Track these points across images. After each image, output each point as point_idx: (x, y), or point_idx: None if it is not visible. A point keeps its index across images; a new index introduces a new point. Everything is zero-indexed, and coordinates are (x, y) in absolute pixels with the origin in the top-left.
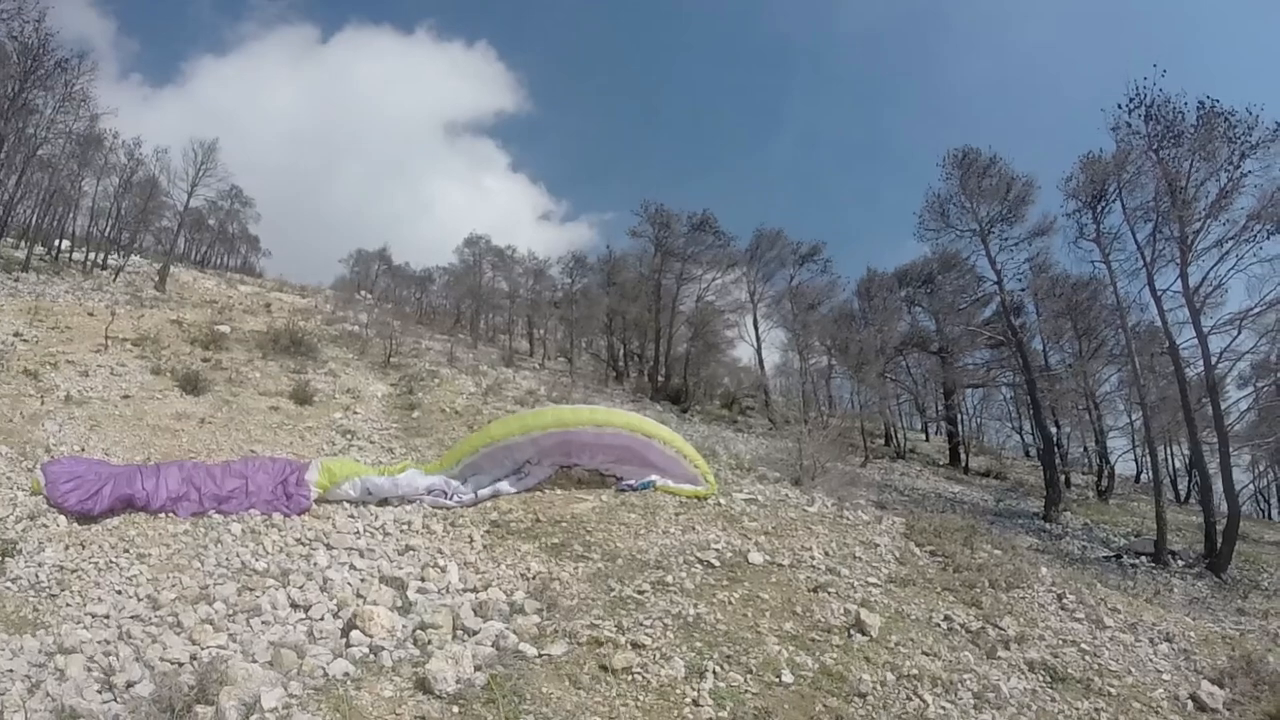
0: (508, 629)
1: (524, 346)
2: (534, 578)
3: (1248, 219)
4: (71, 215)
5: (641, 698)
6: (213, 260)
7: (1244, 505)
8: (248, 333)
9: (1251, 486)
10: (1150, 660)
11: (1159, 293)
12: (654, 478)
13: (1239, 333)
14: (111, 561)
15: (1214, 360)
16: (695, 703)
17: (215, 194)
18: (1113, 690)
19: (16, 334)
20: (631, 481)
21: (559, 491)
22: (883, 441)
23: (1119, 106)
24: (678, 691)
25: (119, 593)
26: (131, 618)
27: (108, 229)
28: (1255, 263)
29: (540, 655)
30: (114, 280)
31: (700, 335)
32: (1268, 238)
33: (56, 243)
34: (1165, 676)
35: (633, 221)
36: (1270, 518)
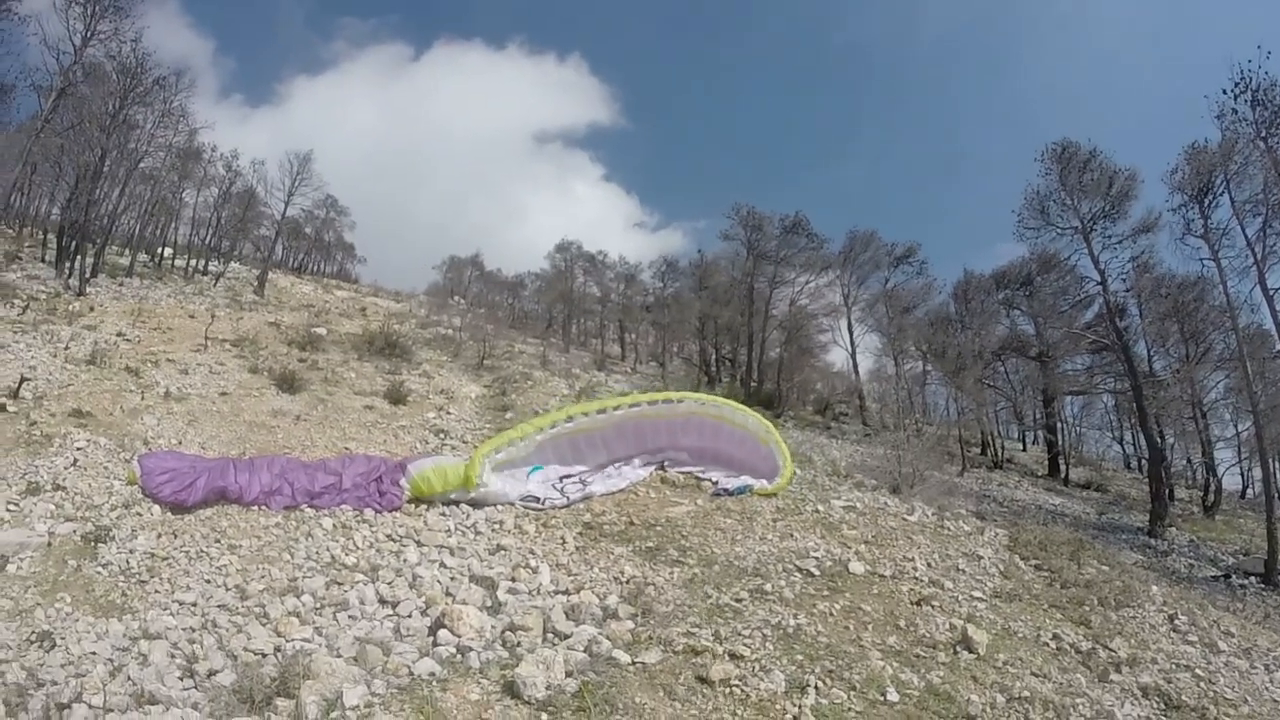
0: (600, 634)
1: (615, 351)
2: (628, 582)
3: None
4: (173, 225)
5: (740, 711)
6: (309, 267)
7: None
8: (343, 335)
9: None
10: (1267, 689)
11: (1271, 292)
12: (750, 481)
13: None
14: (202, 551)
15: None
16: (796, 719)
17: (311, 203)
18: None
19: (120, 334)
20: (727, 485)
21: (653, 495)
22: (979, 450)
23: (1223, 93)
24: (778, 707)
25: (208, 582)
26: (219, 606)
27: (208, 237)
28: None
29: (634, 663)
30: (214, 285)
31: (793, 339)
32: None
33: (160, 250)
34: None
35: (724, 226)
36: None
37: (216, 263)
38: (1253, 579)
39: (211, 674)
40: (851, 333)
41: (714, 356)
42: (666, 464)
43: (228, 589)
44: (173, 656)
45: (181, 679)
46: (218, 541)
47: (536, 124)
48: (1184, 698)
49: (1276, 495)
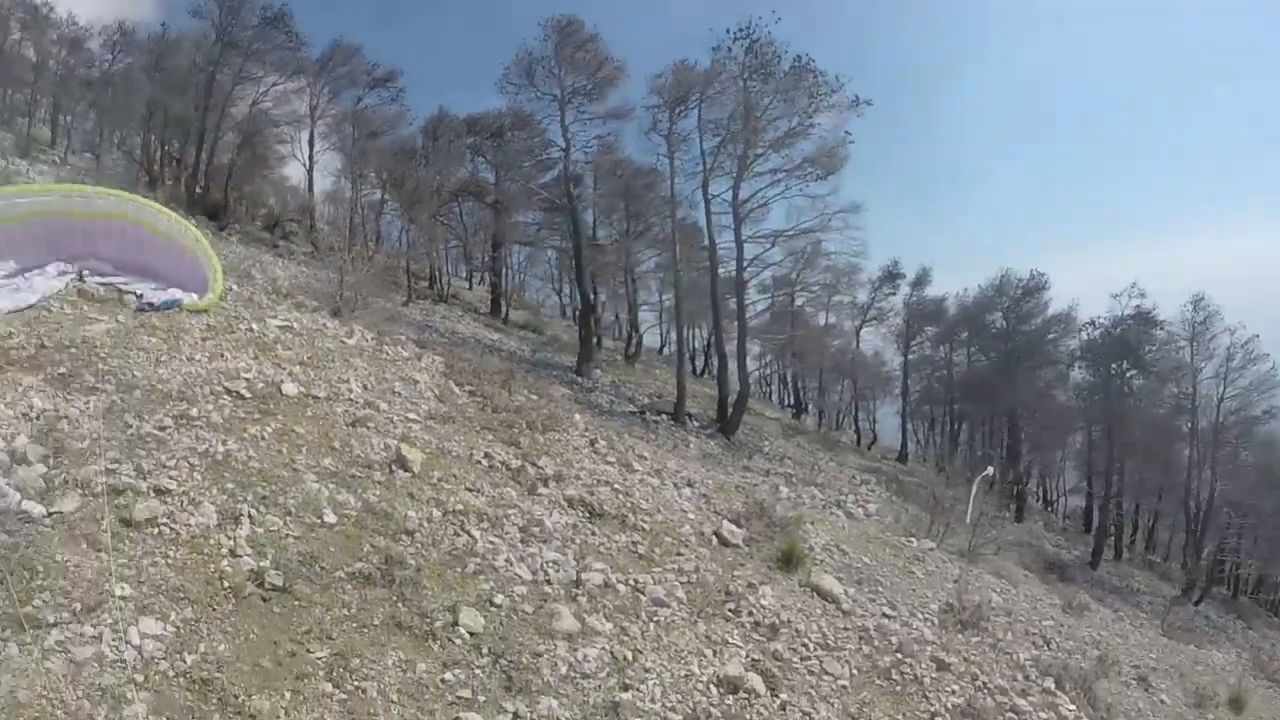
0: (8, 484)
1: (45, 135)
2: (38, 417)
3: (803, 160)
4: None
5: (172, 553)
6: None
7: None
8: None
9: (758, 373)
10: (676, 501)
11: (711, 197)
12: (179, 295)
13: (772, 246)
14: None
15: (745, 264)
16: (233, 553)
17: None
18: (646, 526)
19: None
20: (153, 299)
21: (68, 310)
22: (427, 284)
23: (727, 31)
24: (212, 542)
25: None
26: None
27: None
28: (800, 196)
29: (50, 514)
30: None
31: (249, 145)
32: (815, 180)
33: None
34: (690, 515)
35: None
36: (771, 400)
37: None
38: (664, 416)
39: None
40: (312, 147)
41: (159, 153)
42: (85, 274)
43: None
44: None
45: None
46: None
47: None
48: (605, 508)
49: (688, 354)
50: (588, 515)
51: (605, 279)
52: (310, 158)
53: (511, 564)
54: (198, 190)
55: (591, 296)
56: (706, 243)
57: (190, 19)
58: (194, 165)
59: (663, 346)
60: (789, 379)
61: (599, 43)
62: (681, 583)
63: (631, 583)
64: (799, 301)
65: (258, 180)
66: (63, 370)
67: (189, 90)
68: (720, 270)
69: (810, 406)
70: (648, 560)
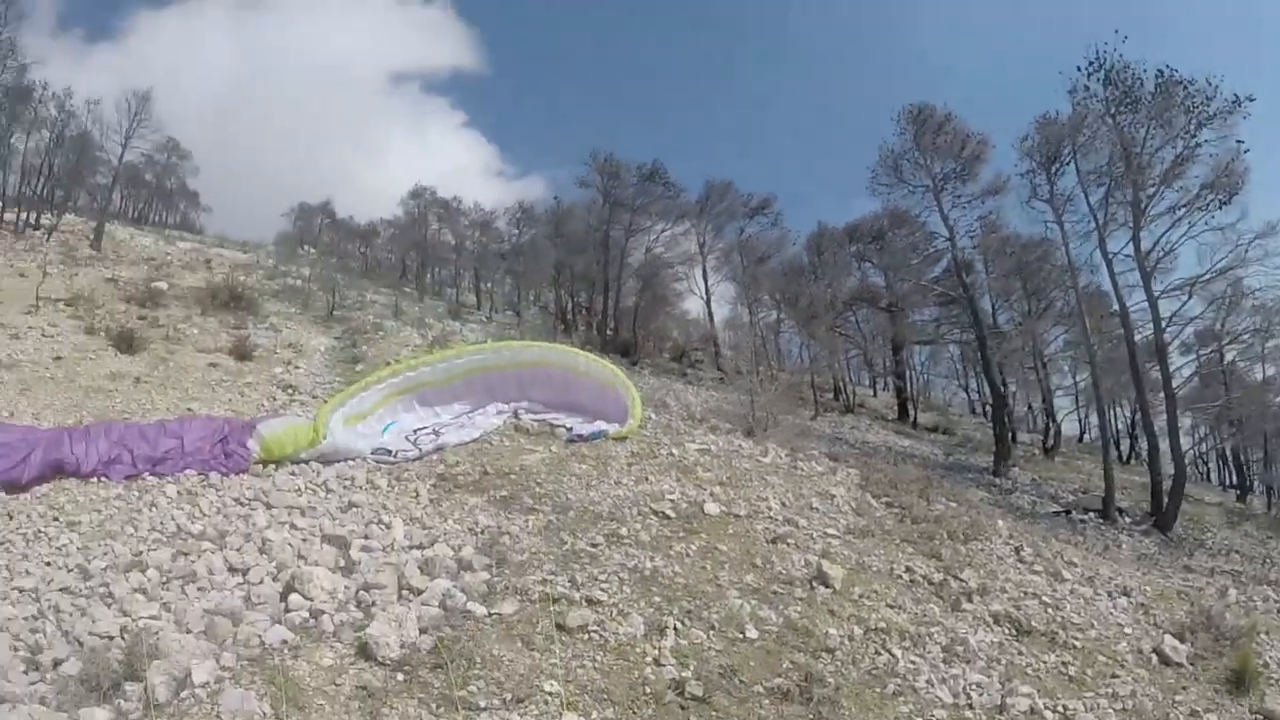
0: (455, 587)
1: (471, 300)
2: (482, 532)
3: (1201, 188)
4: (2, 174)
5: (599, 658)
6: (150, 217)
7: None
8: (186, 289)
9: (1192, 451)
10: (1111, 614)
11: (1110, 256)
12: (604, 426)
13: (1189, 298)
14: (40, 531)
15: (1163, 324)
16: (657, 662)
17: (151, 147)
18: (1077, 643)
19: None
20: (581, 431)
21: (507, 443)
22: (832, 396)
23: (1078, 69)
24: (638, 650)
25: (47, 564)
26: (60, 590)
27: (40, 187)
28: (1206, 230)
29: (490, 614)
30: (47, 240)
31: (649, 288)
32: (1220, 207)
33: None
34: (1127, 630)
35: (582, 173)
36: (1209, 480)
37: (50, 215)
38: (1091, 515)
39: (56, 664)
40: (706, 281)
41: (570, 304)
42: (520, 412)
43: (69, 570)
44: (15, 650)
45: (26, 672)
46: (56, 519)
47: (395, 65)
48: (1033, 623)
49: (1111, 439)
50: (1014, 632)
51: (1013, 367)
52: (706, 290)
53: (933, 685)
54: (608, 332)
55: (1002, 389)
56: (1115, 308)
57: (578, 189)
58: (602, 311)
59: (1082, 434)
60: (1228, 453)
61: (956, 121)
62: (1116, 710)
63: (1060, 709)
64: (1229, 357)
65: (661, 317)
66: (504, 493)
67: (588, 248)
68: (1136, 335)
69: (1256, 484)
70: (1078, 683)
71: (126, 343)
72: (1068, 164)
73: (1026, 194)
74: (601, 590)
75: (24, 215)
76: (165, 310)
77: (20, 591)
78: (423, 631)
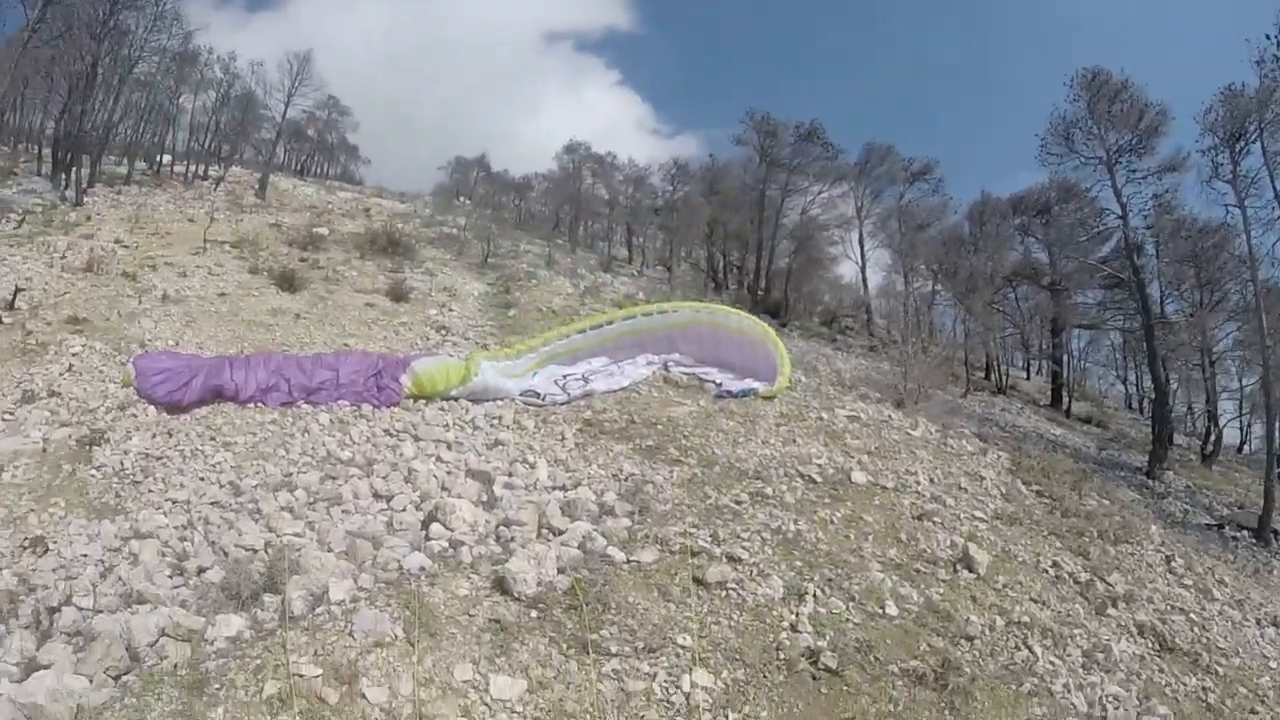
0: (596, 530)
1: (622, 254)
2: (626, 479)
3: None
4: (171, 131)
5: (736, 616)
6: (312, 169)
7: None
8: (346, 235)
9: None
10: (1258, 643)
11: None
12: (754, 385)
13: None
14: (197, 449)
15: None
16: (793, 628)
17: (312, 104)
18: (1220, 669)
19: (117, 241)
20: (730, 388)
21: (655, 394)
22: (983, 374)
23: (1266, 37)
24: (775, 613)
25: (201, 479)
26: (211, 504)
27: (208, 142)
28: None
29: (629, 561)
30: (215, 190)
31: (803, 249)
32: None
33: (158, 158)
34: (1273, 665)
35: (738, 132)
36: None
37: (217, 167)
38: (1245, 532)
39: (201, 571)
40: (862, 246)
41: (722, 263)
42: (669, 364)
43: (221, 486)
44: (163, 555)
45: (171, 577)
46: (213, 439)
47: (548, 25)
48: (1178, 641)
49: (1276, 454)
50: (1157, 646)
51: (1177, 363)
52: (862, 255)
53: (1069, 691)
54: (759, 292)
55: (1165, 384)
56: None
57: (734, 148)
58: (754, 270)
59: (1242, 444)
60: None
61: (1133, 89)
62: None
63: None
64: None
65: (814, 280)
66: (650, 443)
67: (743, 207)
68: None
69: None
70: (1216, 713)
71: (288, 282)
72: (1254, 142)
73: (1207, 173)
74: (743, 548)
75: (192, 168)
76: (325, 253)
77: (173, 503)
78: (560, 571)
